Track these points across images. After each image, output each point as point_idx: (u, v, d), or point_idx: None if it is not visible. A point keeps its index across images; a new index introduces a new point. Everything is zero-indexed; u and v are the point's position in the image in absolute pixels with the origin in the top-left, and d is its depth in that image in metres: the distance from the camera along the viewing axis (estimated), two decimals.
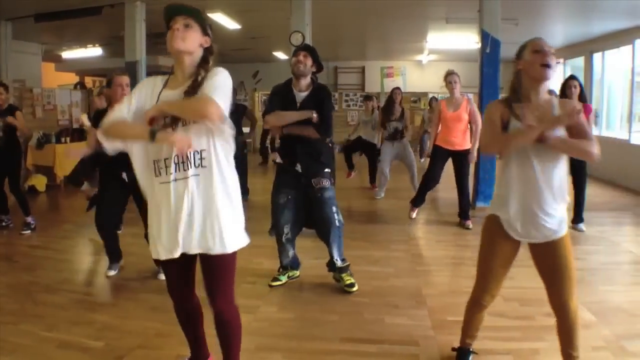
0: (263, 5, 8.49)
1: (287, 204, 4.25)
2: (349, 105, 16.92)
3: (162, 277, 4.00)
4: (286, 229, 4.28)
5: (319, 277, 4.54)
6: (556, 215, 2.64)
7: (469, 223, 6.32)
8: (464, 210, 6.40)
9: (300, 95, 4.13)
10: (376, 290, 4.28)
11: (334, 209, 4.16)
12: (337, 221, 4.16)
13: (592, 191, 8.52)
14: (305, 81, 4.16)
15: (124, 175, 4.42)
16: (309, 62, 4.13)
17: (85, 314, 3.78)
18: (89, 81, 17.31)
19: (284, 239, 4.32)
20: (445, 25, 10.13)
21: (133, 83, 8.10)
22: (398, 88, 8.62)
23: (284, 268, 4.47)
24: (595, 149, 2.58)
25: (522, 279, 4.49)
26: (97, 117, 4.46)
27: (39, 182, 9.27)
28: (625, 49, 10.42)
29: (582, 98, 5.79)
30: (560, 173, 2.64)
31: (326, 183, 4.15)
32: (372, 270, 4.78)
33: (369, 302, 4.05)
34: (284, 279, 4.46)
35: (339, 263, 4.26)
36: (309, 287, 4.39)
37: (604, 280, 4.63)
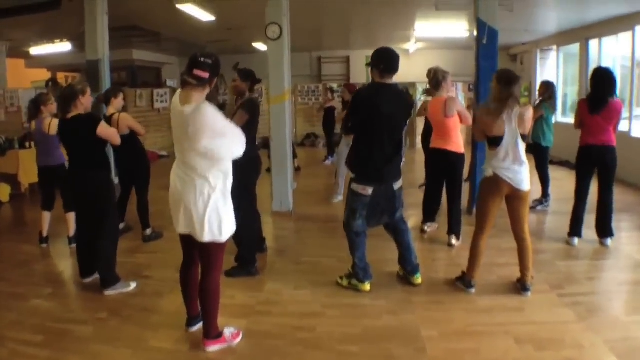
0: None
1: None
2: (333, 98, 16.18)
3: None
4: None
5: (298, 316, 3.97)
6: None
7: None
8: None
9: None
10: (367, 334, 3.67)
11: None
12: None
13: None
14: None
15: None
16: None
17: None
18: (61, 77, 16.55)
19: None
20: (434, 13, 9.52)
21: (95, 85, 7.65)
22: (347, 85, 8.07)
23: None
24: None
25: (534, 310, 3.95)
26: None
27: (2, 191, 8.55)
28: (623, 36, 9.93)
29: None
30: None
31: None
32: (362, 303, 4.16)
33: (359, 352, 3.43)
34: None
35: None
36: (286, 332, 3.75)
37: (626, 307, 4.10)
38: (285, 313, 4.02)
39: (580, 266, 5.04)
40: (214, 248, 3.29)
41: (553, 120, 7.25)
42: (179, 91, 3.24)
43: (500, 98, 4.00)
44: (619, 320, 3.83)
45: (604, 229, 5.52)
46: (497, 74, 4.15)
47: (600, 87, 5.24)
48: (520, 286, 4.27)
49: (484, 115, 4.14)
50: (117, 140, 4.64)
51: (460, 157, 5.55)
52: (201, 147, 3.08)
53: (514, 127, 4.00)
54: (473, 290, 4.31)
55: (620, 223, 6.26)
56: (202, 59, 3.10)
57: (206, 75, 3.10)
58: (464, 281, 4.39)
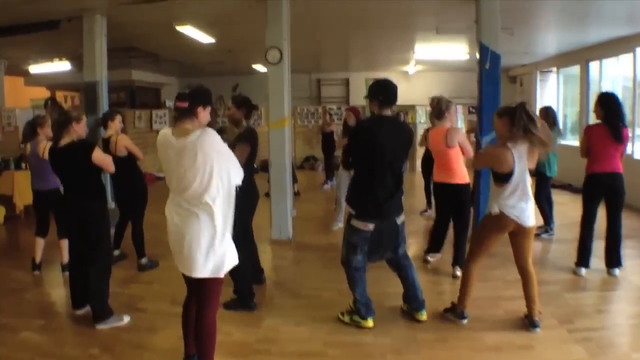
0: (235, 17, 7.82)
1: None
2: (333, 120, 16.14)
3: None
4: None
5: (298, 356, 3.77)
6: None
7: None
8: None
9: None
10: None
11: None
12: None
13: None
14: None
15: None
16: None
17: None
18: (60, 96, 16.44)
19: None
20: (434, 35, 9.47)
21: (93, 107, 7.56)
22: (351, 108, 7.92)
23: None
24: None
25: (543, 348, 3.79)
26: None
27: None
28: (624, 57, 9.94)
29: None
30: None
31: None
32: (365, 342, 3.97)
33: None
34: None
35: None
36: None
37: (636, 342, 3.94)
38: (285, 352, 3.83)
39: (589, 298, 4.88)
40: (212, 283, 3.14)
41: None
42: (166, 129, 3.19)
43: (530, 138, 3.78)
44: (629, 357, 3.68)
45: (613, 259, 5.37)
46: (501, 112, 4.06)
47: (618, 113, 5.13)
48: (529, 322, 4.08)
49: (496, 163, 3.95)
50: (111, 169, 4.51)
51: (466, 187, 5.36)
52: (208, 172, 2.98)
53: (523, 163, 3.89)
54: (465, 321, 4.19)
55: (625, 250, 5.98)
56: (182, 92, 3.14)
57: (185, 104, 3.06)
58: (455, 312, 4.26)
